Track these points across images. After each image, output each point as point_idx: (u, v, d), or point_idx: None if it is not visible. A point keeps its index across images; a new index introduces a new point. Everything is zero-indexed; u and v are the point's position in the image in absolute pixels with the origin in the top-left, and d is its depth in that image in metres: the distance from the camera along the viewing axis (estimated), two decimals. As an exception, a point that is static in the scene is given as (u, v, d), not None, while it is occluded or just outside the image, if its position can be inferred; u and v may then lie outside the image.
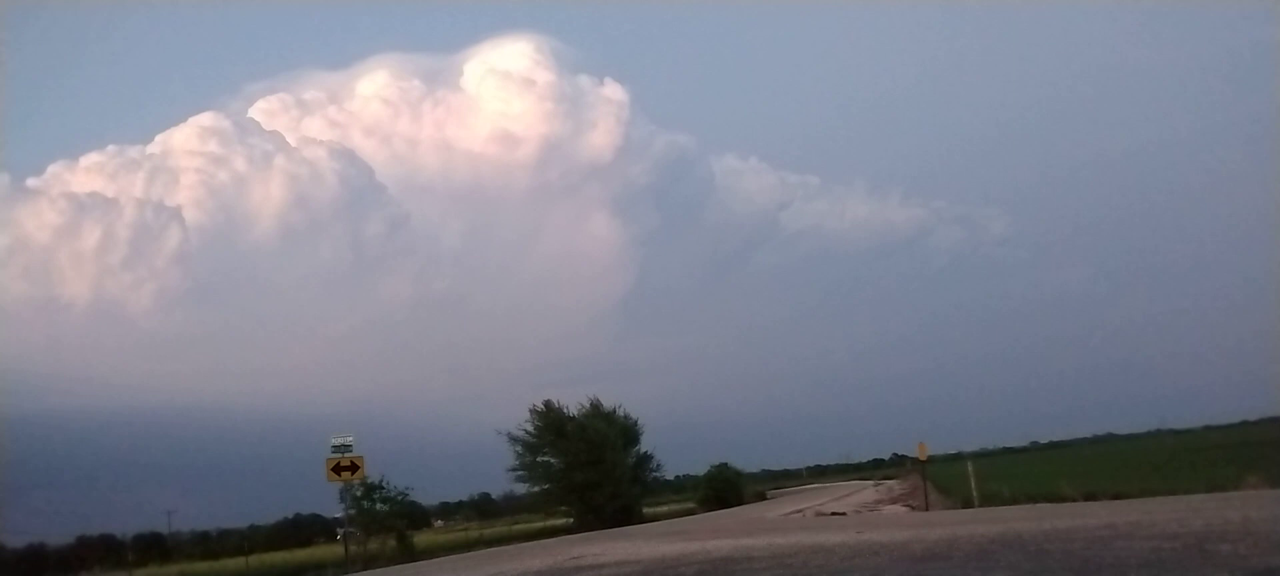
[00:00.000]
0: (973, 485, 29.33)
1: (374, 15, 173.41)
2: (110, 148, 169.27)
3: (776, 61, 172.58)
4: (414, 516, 44.04)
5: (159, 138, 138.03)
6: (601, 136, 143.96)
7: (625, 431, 50.42)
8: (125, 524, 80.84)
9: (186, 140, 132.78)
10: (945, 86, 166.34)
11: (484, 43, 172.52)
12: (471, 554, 29.50)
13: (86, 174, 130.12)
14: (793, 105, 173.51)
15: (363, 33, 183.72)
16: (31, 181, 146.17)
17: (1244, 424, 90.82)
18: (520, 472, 47.66)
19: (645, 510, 52.69)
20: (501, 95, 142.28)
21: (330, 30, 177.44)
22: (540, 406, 47.83)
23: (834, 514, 29.90)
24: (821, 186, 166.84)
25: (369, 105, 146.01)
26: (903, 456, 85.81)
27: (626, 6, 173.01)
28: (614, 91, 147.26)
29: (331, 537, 48.06)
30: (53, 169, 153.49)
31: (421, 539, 45.00)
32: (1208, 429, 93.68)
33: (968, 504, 28.15)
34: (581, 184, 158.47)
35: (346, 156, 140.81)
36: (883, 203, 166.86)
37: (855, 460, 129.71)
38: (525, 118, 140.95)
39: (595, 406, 49.41)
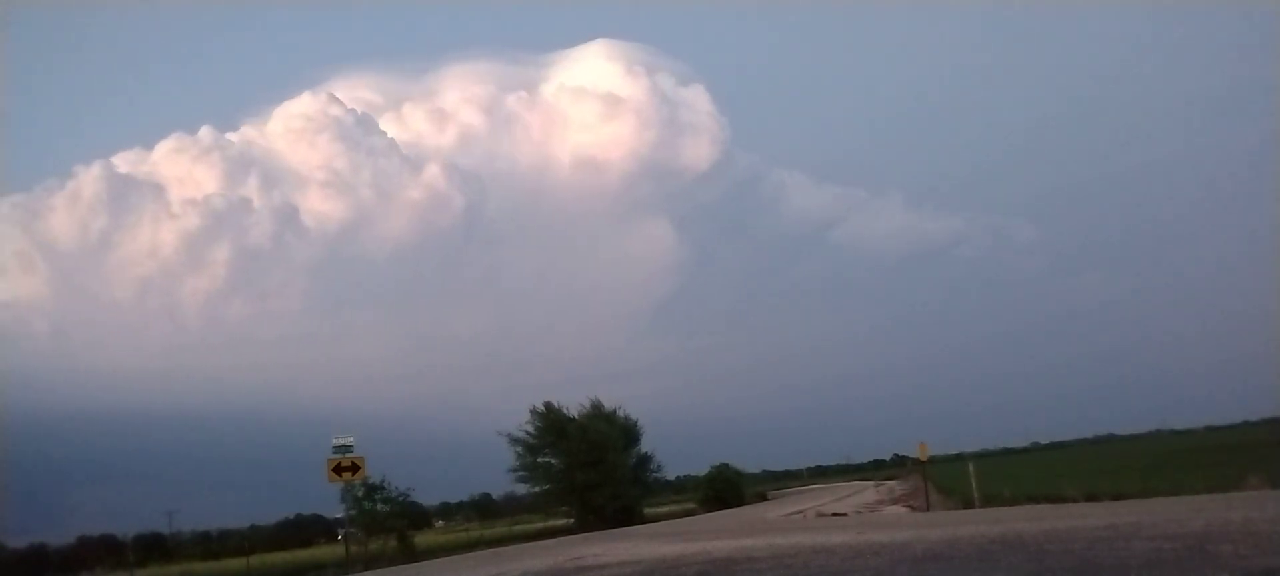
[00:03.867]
0: (974, 485, 29.31)
1: (461, 15, 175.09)
2: (124, 148, 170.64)
3: (823, 77, 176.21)
4: (415, 517, 44.01)
5: (176, 136, 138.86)
6: (692, 159, 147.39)
7: (626, 432, 50.41)
8: (126, 524, 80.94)
9: (199, 141, 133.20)
10: (982, 104, 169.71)
11: (570, 50, 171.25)
12: (472, 554, 29.52)
13: (101, 170, 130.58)
14: (839, 120, 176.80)
15: (447, 33, 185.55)
16: (45, 182, 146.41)
17: (1244, 424, 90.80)
18: (521, 473, 47.70)
19: (646, 510, 52.67)
20: (592, 111, 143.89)
21: (411, 27, 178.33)
22: (541, 407, 47.90)
23: (835, 514, 29.91)
24: (865, 199, 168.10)
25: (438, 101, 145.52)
26: (904, 457, 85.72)
27: (695, 26, 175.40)
28: (708, 115, 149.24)
29: (333, 538, 48.20)
30: (70, 169, 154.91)
31: (422, 539, 45.00)
32: (1208, 429, 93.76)
33: (969, 504, 28.14)
34: (657, 200, 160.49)
35: (381, 151, 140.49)
36: (916, 214, 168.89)
37: (856, 460, 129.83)
38: (617, 135, 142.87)
39: (596, 407, 49.43)
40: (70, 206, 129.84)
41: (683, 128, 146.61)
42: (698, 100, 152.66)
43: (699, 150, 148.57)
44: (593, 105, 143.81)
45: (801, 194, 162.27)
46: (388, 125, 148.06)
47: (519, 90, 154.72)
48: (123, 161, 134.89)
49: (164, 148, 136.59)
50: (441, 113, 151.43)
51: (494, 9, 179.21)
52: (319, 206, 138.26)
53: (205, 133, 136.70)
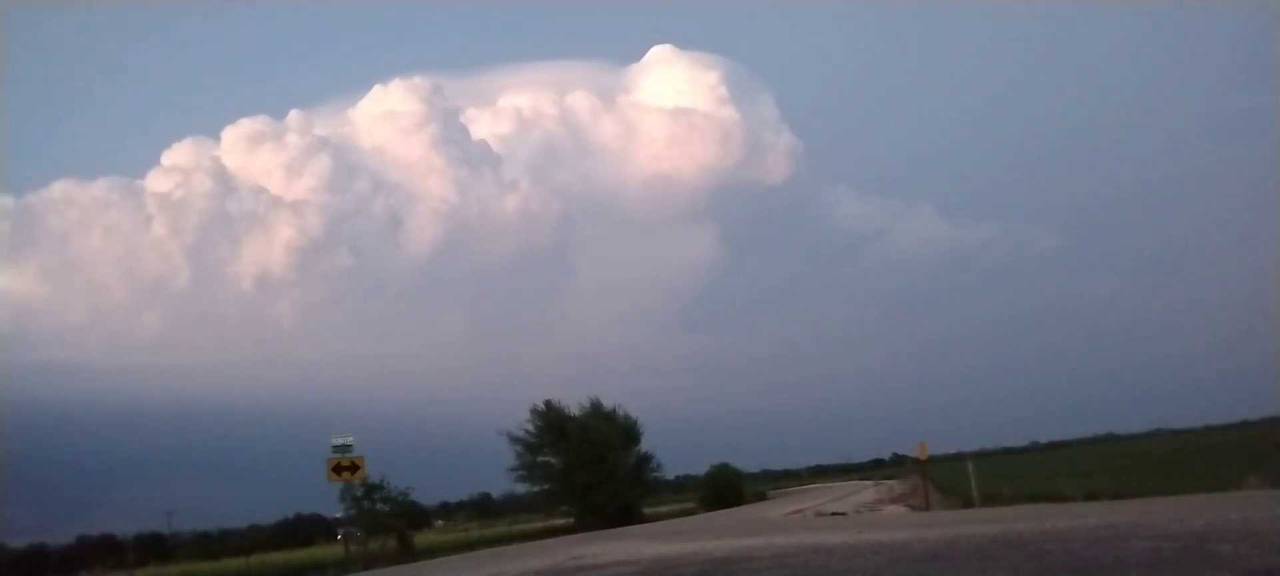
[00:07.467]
0: (973, 485, 29.35)
1: (518, 22, 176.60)
2: (123, 148, 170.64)
3: (862, 88, 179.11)
4: (414, 516, 44.03)
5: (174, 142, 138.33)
6: (768, 175, 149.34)
7: (626, 431, 50.41)
8: (126, 524, 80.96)
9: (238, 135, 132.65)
10: (1011, 118, 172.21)
11: (637, 60, 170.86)
12: (472, 554, 29.49)
13: (97, 172, 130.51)
14: (879, 132, 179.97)
15: (506, 40, 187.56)
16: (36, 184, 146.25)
17: (1244, 424, 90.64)
18: (521, 472, 47.71)
19: (645, 510, 52.67)
20: (657, 121, 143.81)
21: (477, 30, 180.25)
22: (541, 406, 47.89)
23: (834, 514, 29.88)
24: (901, 209, 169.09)
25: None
26: (903, 456, 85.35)
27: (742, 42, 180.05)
28: (776, 129, 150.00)
29: (332, 537, 48.09)
30: (64, 170, 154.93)
31: (422, 539, 45.01)
32: (1208, 429, 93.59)
33: (968, 503, 28.17)
34: (712, 209, 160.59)
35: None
36: (946, 223, 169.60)
37: (855, 460, 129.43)
38: (685, 146, 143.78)
39: (596, 406, 49.42)
40: (63, 208, 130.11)
41: (752, 142, 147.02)
42: (767, 112, 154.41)
43: (767, 164, 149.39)
44: (659, 116, 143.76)
45: (844, 206, 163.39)
46: (430, 125, 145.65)
47: (589, 97, 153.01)
48: (122, 164, 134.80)
49: (172, 152, 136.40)
50: (484, 115, 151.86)
51: (556, 16, 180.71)
52: (317, 203, 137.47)
53: (192, 140, 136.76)
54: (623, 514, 45.15)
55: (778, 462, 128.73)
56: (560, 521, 47.97)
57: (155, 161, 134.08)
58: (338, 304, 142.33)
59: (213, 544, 68.79)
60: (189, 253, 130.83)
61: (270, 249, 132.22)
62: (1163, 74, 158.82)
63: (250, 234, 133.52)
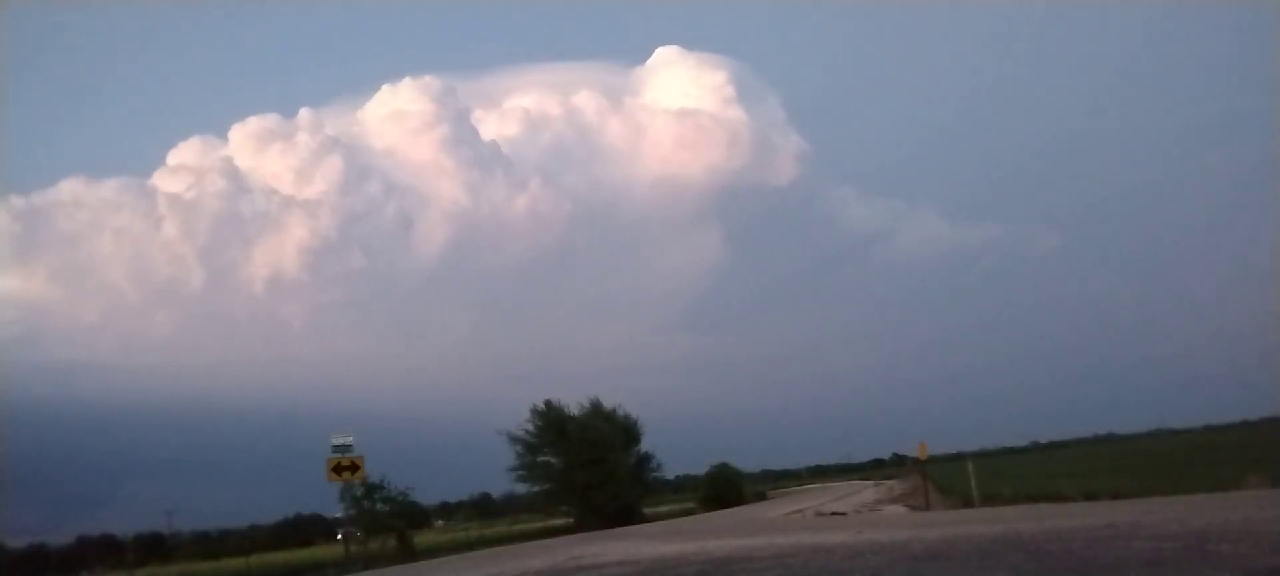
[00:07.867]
0: (973, 485, 29.34)
1: (522, 22, 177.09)
2: (122, 150, 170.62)
3: (868, 90, 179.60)
4: (414, 516, 44.00)
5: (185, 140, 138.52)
6: (774, 177, 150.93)
7: (626, 431, 50.39)
8: (126, 524, 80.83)
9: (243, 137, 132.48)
10: (1015, 119, 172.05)
11: (642, 61, 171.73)
12: (472, 554, 29.50)
13: (99, 174, 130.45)
14: (884, 133, 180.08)
15: (511, 41, 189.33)
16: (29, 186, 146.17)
17: (1244, 424, 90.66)
18: (521, 472, 47.68)
19: (645, 510, 52.66)
20: (662, 122, 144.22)
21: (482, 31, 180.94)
22: (541, 406, 47.88)
23: (834, 514, 29.90)
24: (903, 210, 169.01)
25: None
26: (903, 456, 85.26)
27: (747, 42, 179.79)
28: (783, 130, 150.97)
29: (332, 537, 48.11)
30: (63, 171, 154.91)
31: (422, 539, 45.00)
32: (1208, 429, 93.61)
33: (968, 503, 28.18)
34: (717, 210, 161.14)
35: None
36: (949, 224, 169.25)
37: (855, 460, 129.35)
38: (692, 147, 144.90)
39: (596, 406, 49.39)
40: (71, 208, 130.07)
41: (759, 143, 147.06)
42: (774, 113, 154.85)
43: (774, 165, 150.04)
44: (666, 117, 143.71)
45: (849, 207, 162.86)
46: (440, 126, 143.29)
47: (597, 99, 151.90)
48: (130, 163, 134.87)
49: (179, 150, 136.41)
50: (491, 116, 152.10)
51: (562, 17, 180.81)
52: (329, 204, 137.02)
53: (199, 139, 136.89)
54: (623, 514, 45.13)
55: (778, 462, 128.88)
56: (560, 521, 47.93)
57: (162, 161, 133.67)
58: (348, 305, 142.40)
59: (213, 544, 68.79)
60: (199, 253, 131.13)
61: (282, 250, 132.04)
62: (1163, 74, 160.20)
63: (261, 234, 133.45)
